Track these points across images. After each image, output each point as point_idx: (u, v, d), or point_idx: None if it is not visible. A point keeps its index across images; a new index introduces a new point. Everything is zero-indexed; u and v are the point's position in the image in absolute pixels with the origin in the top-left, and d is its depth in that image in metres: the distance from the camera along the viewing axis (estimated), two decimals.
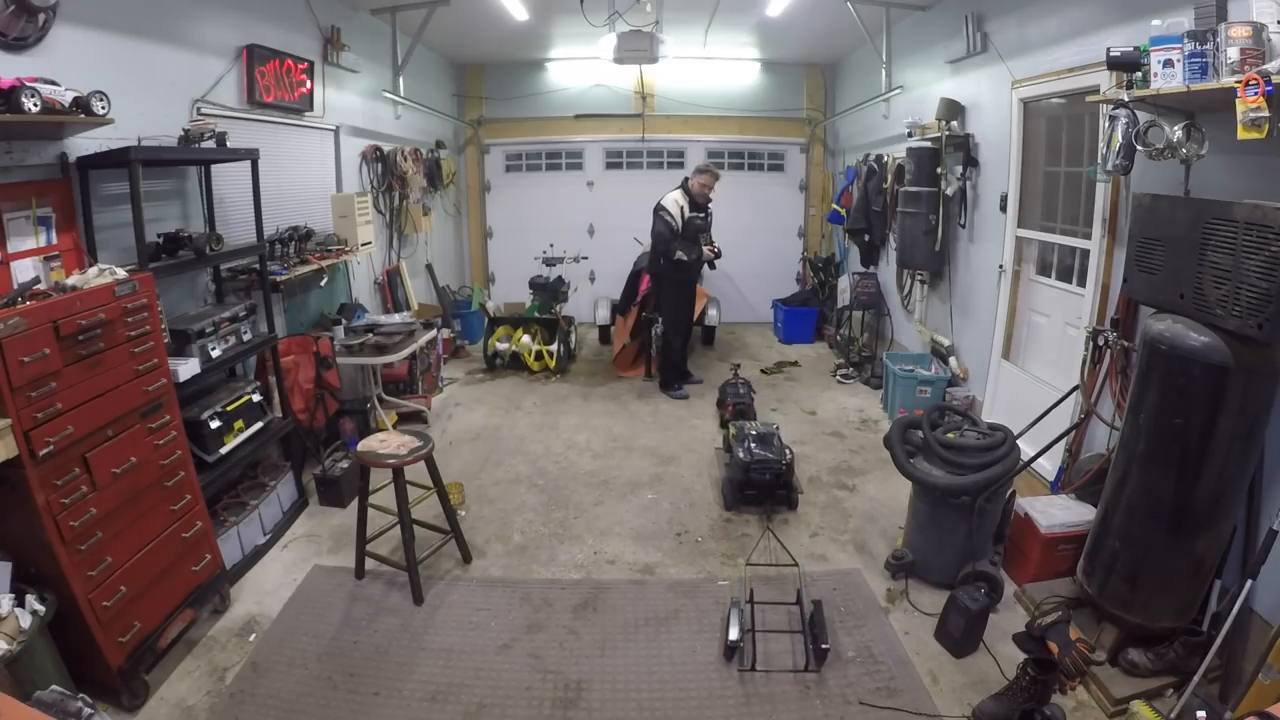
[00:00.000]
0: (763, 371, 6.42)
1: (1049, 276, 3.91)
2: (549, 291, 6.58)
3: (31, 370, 2.02)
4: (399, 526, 2.99)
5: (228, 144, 3.34)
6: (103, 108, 2.57)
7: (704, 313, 6.85)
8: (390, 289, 5.81)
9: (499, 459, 4.49)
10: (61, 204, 2.68)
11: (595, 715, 2.40)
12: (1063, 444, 3.32)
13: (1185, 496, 2.31)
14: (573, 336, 6.82)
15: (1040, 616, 2.71)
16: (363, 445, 3.08)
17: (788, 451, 3.78)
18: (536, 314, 6.50)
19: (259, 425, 3.38)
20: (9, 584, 2.11)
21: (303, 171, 4.57)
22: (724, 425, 4.71)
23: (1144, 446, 2.41)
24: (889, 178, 5.85)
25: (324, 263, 4.31)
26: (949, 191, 4.68)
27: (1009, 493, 3.10)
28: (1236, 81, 1.99)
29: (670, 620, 2.90)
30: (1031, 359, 4.09)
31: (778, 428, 4.07)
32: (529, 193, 8.22)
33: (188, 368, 2.87)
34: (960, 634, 2.68)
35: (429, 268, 6.84)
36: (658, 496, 3.99)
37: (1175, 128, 2.43)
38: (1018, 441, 3.09)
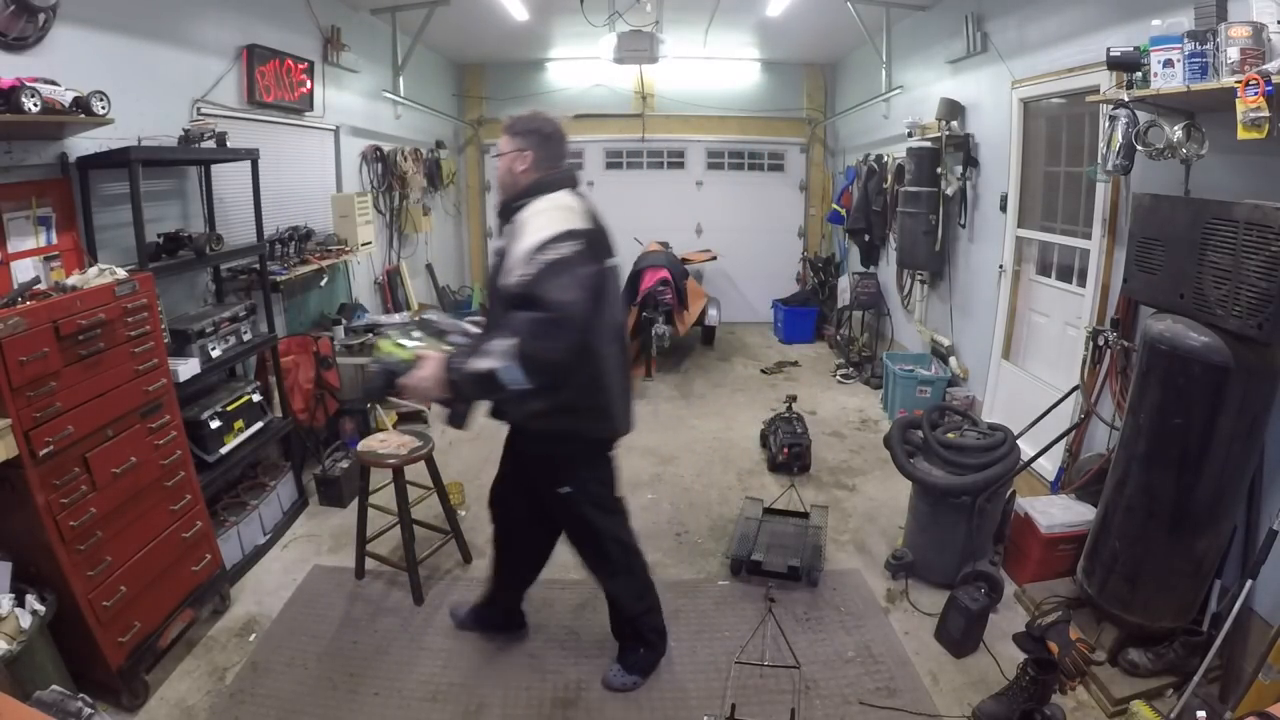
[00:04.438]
0: (763, 371, 6.42)
1: (1049, 276, 3.91)
2: None
3: (31, 370, 2.02)
4: (399, 526, 2.99)
5: (228, 144, 3.34)
6: (103, 108, 2.56)
7: (704, 313, 6.85)
8: (390, 289, 5.81)
9: (499, 459, 4.48)
10: (61, 204, 2.68)
11: (595, 715, 2.40)
12: (1063, 444, 3.32)
13: (1185, 496, 2.31)
14: None
15: (1040, 616, 2.71)
16: (363, 445, 3.08)
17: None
18: None
19: (259, 425, 3.38)
20: (9, 584, 2.10)
21: (303, 171, 4.57)
22: (773, 469, 4.27)
23: (1144, 446, 2.41)
24: (889, 178, 5.85)
25: (324, 263, 4.31)
26: (949, 191, 4.68)
27: (1009, 493, 3.10)
28: (1236, 81, 1.99)
29: (670, 620, 2.88)
30: (1031, 359, 4.09)
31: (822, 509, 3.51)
32: None
33: (188, 368, 2.87)
34: (960, 634, 2.68)
35: (429, 268, 6.85)
36: (657, 496, 3.99)
37: (1175, 128, 2.43)
38: (1018, 441, 3.09)
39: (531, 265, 1.85)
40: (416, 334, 2.01)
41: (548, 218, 1.95)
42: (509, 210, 2.08)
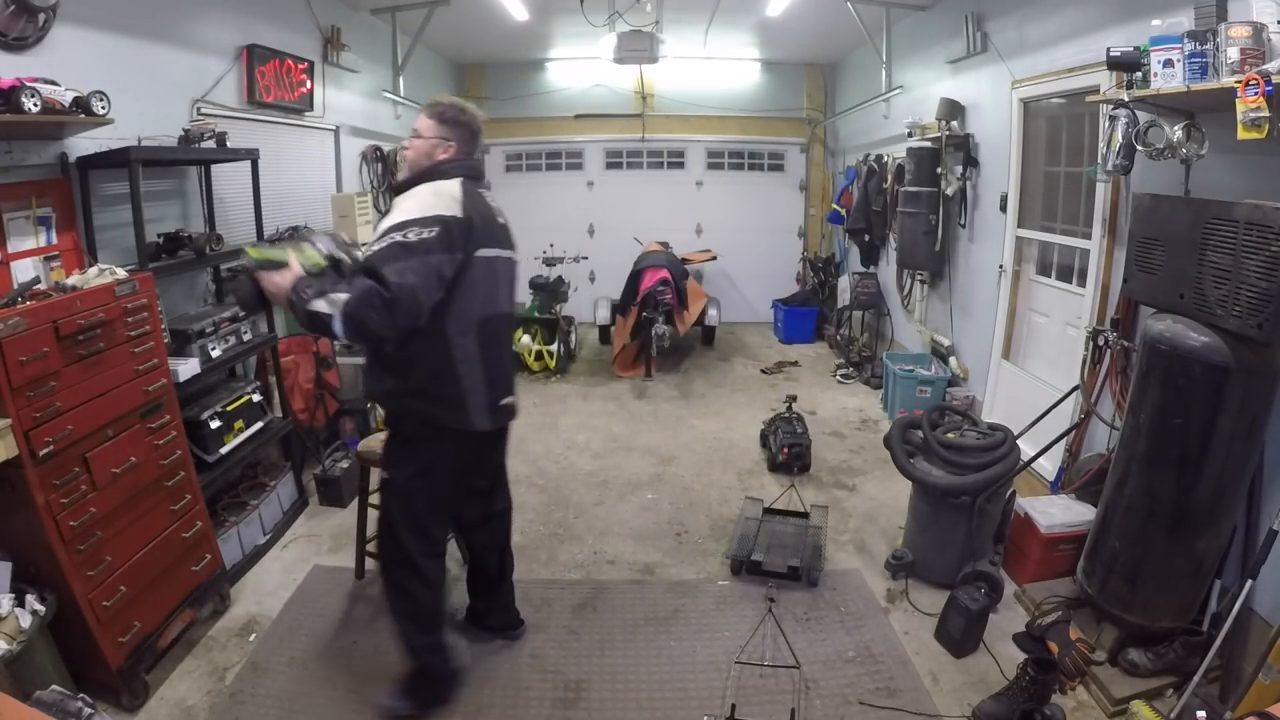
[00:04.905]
0: (763, 371, 6.42)
1: (1049, 276, 3.91)
2: (549, 291, 6.58)
3: (31, 370, 2.02)
4: None
5: (228, 144, 3.34)
6: (103, 108, 2.57)
7: (704, 313, 6.86)
8: None
9: None
10: (61, 204, 2.68)
11: (595, 715, 2.40)
12: (1063, 444, 3.32)
13: (1185, 496, 2.31)
14: (573, 336, 6.82)
15: (1040, 616, 2.71)
16: (363, 445, 3.08)
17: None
18: (536, 314, 6.50)
19: (259, 425, 3.38)
20: (9, 584, 2.11)
21: (303, 171, 4.57)
22: (773, 469, 4.29)
23: (1144, 446, 2.41)
24: (889, 178, 5.85)
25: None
26: (949, 191, 4.68)
27: (1009, 493, 3.10)
28: (1236, 81, 1.99)
29: (670, 620, 2.89)
30: (1031, 359, 4.09)
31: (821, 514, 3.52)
32: (529, 193, 8.21)
33: (188, 368, 2.87)
34: (960, 634, 2.68)
35: None
36: (657, 496, 3.99)
37: (1175, 128, 2.43)
38: (1018, 441, 3.09)
39: (384, 241, 1.91)
40: (284, 242, 2.09)
41: (417, 201, 2.01)
42: (401, 190, 2.13)
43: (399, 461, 2.21)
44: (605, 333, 7.20)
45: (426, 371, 2.06)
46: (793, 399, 4.61)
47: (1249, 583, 2.19)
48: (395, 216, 1.97)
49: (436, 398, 2.09)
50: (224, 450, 3.12)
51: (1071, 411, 3.36)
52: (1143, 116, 2.55)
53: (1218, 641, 2.23)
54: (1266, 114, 1.91)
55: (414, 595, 2.28)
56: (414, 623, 2.32)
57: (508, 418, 2.31)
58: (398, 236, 1.90)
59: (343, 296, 1.84)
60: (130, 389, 2.41)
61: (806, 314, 7.50)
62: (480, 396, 2.14)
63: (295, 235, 2.20)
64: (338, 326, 1.85)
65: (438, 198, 2.02)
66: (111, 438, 2.32)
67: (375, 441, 3.06)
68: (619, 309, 6.57)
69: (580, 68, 7.56)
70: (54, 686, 1.53)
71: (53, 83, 2.40)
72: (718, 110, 7.87)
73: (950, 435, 3.10)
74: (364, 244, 2.21)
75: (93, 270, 2.43)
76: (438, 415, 2.12)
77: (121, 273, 2.45)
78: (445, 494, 2.27)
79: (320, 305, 1.85)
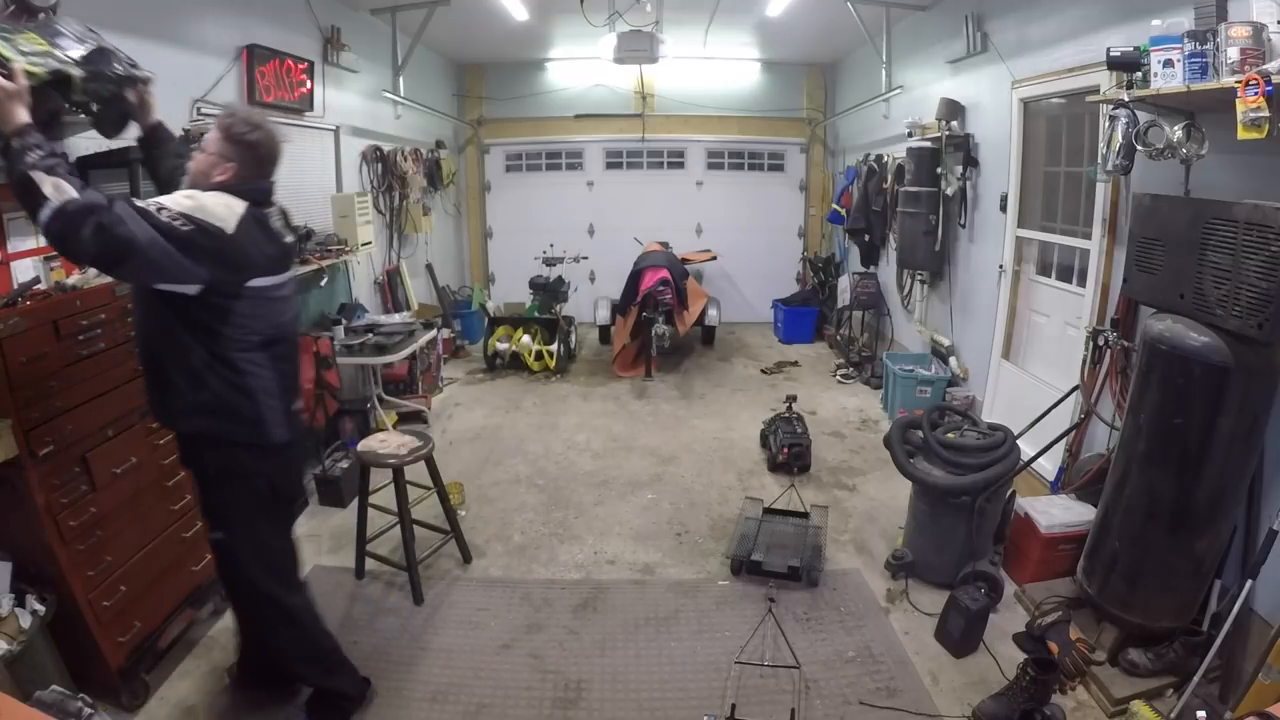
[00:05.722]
0: (763, 371, 6.42)
1: (1049, 276, 3.91)
2: (549, 291, 6.58)
3: (31, 370, 2.02)
4: (399, 526, 2.99)
5: None
6: None
7: (704, 313, 6.86)
8: (390, 289, 5.82)
9: (499, 459, 4.50)
10: None
11: (595, 715, 2.40)
12: (1063, 444, 3.32)
13: (1185, 496, 2.31)
14: (573, 336, 6.83)
15: (1040, 616, 2.71)
16: (363, 445, 3.08)
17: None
18: (536, 314, 6.50)
19: None
20: (9, 584, 2.10)
21: (303, 171, 4.57)
22: (773, 469, 4.29)
23: (1144, 446, 2.41)
24: (889, 178, 5.85)
25: (324, 263, 4.31)
26: (949, 191, 4.68)
27: (1009, 493, 3.11)
28: (1236, 81, 1.99)
29: (670, 620, 2.90)
30: (1031, 359, 4.09)
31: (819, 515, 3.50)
32: (529, 193, 8.23)
33: None
34: (960, 634, 2.68)
35: (429, 268, 6.85)
36: (658, 496, 3.99)
37: (1175, 128, 2.43)
38: (1018, 441, 3.09)
39: (144, 200, 1.77)
40: (25, 29, 1.78)
41: (189, 193, 1.87)
42: None
43: (220, 514, 2.12)
44: (605, 333, 7.20)
45: (215, 388, 1.95)
46: (793, 399, 4.61)
47: (1249, 583, 2.19)
48: (163, 197, 1.82)
49: (232, 414, 1.98)
50: None
51: (1071, 411, 3.36)
52: (1143, 116, 2.55)
53: (1218, 641, 2.23)
54: (1266, 114, 1.91)
55: (288, 629, 2.23)
56: (310, 659, 2.28)
57: (299, 424, 2.24)
58: (151, 207, 1.74)
59: (72, 193, 1.60)
60: (130, 389, 2.40)
61: (806, 314, 7.50)
62: (276, 409, 2.06)
63: (42, 22, 1.83)
64: (44, 216, 1.59)
65: (214, 204, 1.87)
66: (111, 438, 2.32)
67: (375, 441, 3.07)
68: (619, 309, 6.57)
69: (580, 68, 7.56)
70: (54, 686, 1.53)
71: None
72: (717, 110, 7.87)
73: (950, 435, 3.10)
74: (127, 64, 2.05)
75: (92, 270, 2.42)
76: (234, 433, 2.00)
77: None
78: (278, 519, 2.20)
79: (43, 181, 1.59)
